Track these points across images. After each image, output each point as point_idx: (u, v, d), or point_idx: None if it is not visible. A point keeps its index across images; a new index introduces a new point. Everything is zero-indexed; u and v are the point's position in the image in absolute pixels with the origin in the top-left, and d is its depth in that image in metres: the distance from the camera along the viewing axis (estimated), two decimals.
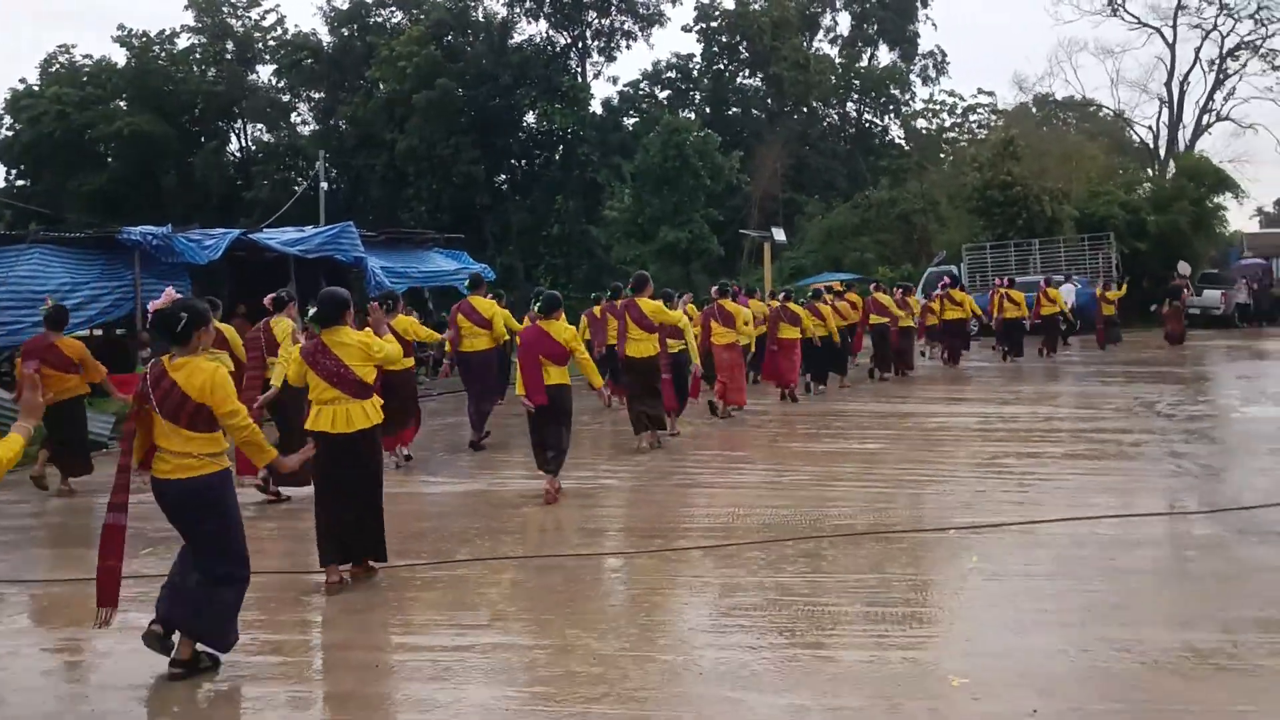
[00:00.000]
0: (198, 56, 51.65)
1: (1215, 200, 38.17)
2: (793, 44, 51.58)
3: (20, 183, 49.93)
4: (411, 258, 22.82)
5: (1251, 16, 47.96)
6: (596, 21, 50.53)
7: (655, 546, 7.18)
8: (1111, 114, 53.32)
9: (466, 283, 12.53)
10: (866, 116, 58.91)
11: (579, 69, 50.53)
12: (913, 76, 58.03)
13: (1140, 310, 29.76)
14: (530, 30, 50.14)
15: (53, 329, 10.05)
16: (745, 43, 52.56)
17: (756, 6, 52.18)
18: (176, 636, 5.11)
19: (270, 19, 52.65)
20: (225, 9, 52.29)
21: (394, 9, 52.09)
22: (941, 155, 50.49)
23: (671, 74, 54.40)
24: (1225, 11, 48.01)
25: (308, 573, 6.77)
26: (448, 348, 12.19)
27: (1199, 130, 51.02)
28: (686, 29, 53.41)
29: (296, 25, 52.82)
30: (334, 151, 49.33)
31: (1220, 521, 7.31)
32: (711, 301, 14.16)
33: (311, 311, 6.64)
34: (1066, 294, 24.83)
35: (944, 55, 59.12)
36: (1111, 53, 68.83)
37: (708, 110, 52.51)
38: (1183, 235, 35.36)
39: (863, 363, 19.02)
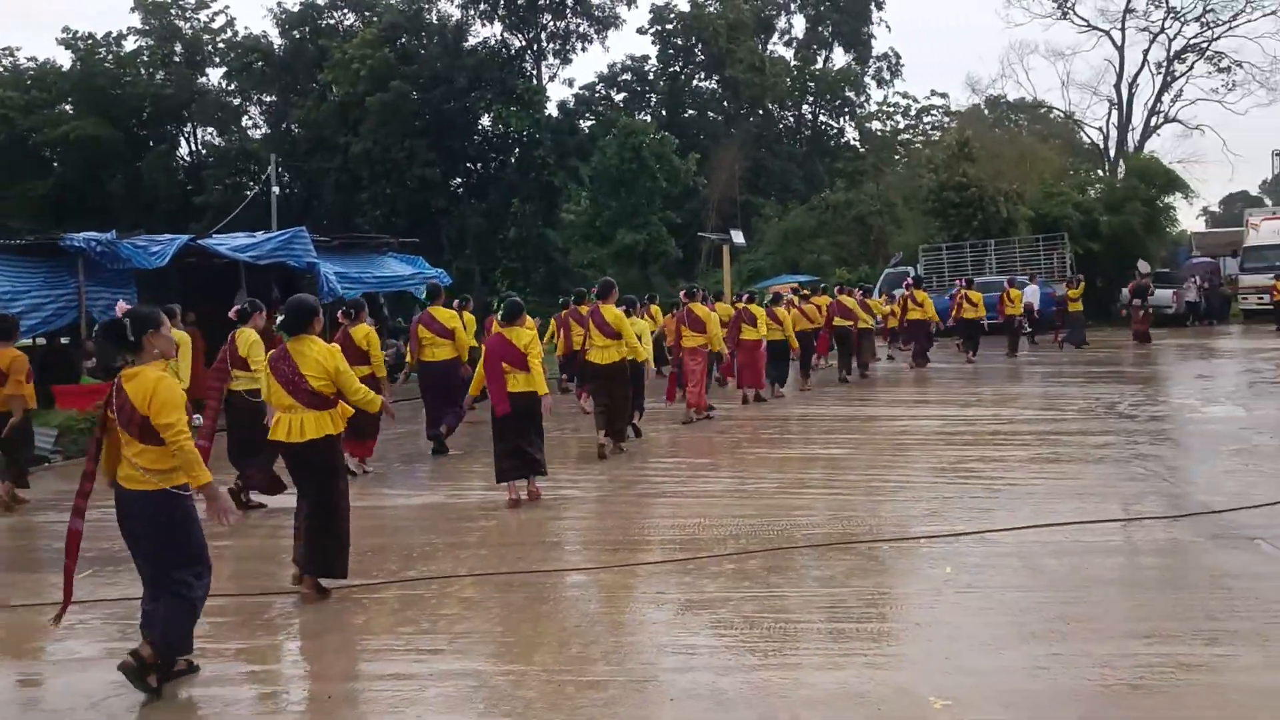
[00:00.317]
0: (145, 59, 50.83)
1: (1166, 200, 38.65)
2: (748, 46, 51.68)
3: None
4: (366, 263, 22.41)
5: (1198, 20, 48.77)
6: (551, 24, 50.36)
7: (620, 561, 6.96)
8: (1062, 115, 53.91)
9: (425, 293, 12.32)
10: (822, 119, 59.18)
11: (534, 71, 50.28)
12: (867, 79, 58.42)
13: (1097, 310, 30.01)
14: (485, 33, 49.94)
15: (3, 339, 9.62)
16: (700, 45, 52.59)
17: (712, 9, 52.19)
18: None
19: (220, 21, 52.02)
20: (173, 11, 51.50)
21: (346, 11, 51.58)
22: (896, 157, 50.77)
23: (627, 76, 54.34)
24: (1172, 15, 48.75)
25: (259, 595, 6.49)
26: (409, 359, 12.06)
27: (1148, 131, 51.77)
28: (642, 31, 53.45)
29: (247, 27, 52.33)
30: (286, 155, 48.71)
31: (1192, 527, 7.21)
32: (679, 305, 14.08)
33: (279, 319, 6.44)
34: (1030, 295, 24.92)
35: (898, 58, 59.61)
36: (1062, 55, 69.79)
37: (664, 113, 52.47)
38: (1135, 235, 35.76)
39: (833, 365, 19.05)
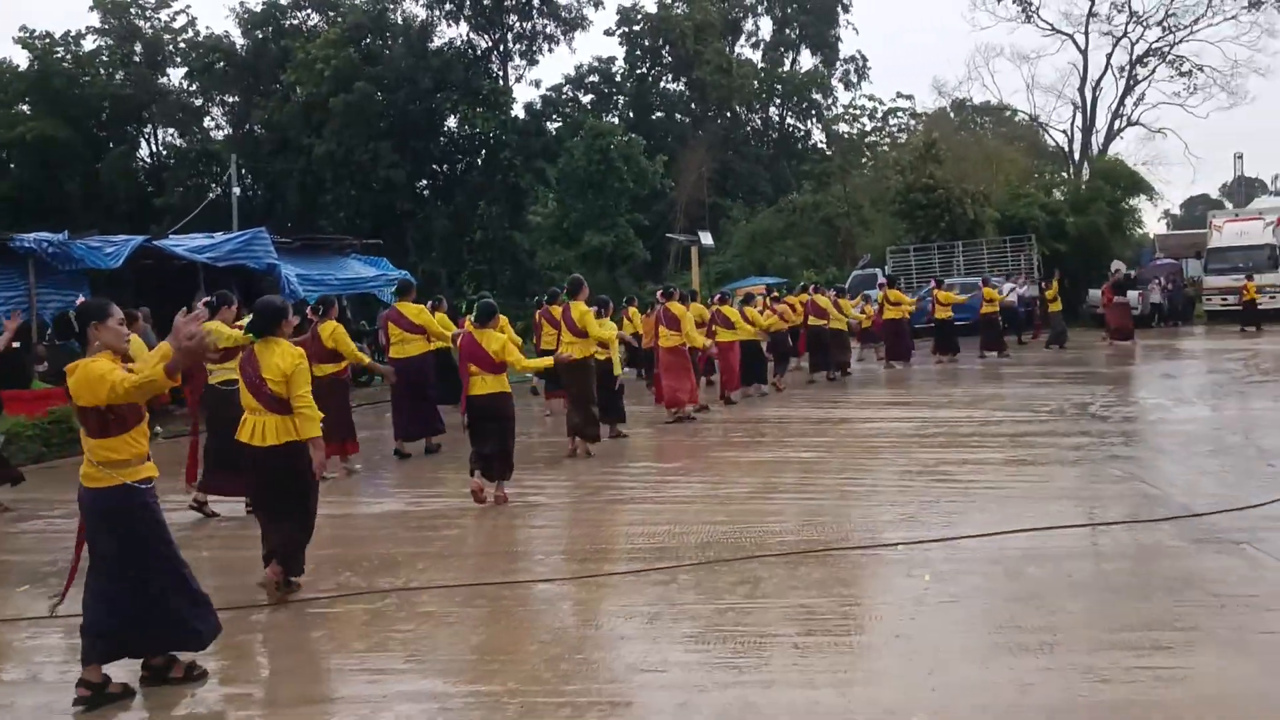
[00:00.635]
0: (105, 59, 49.87)
1: (1130, 202, 38.92)
2: (715, 48, 51.52)
3: None
4: (328, 265, 22.04)
5: (1160, 24, 49.15)
6: (518, 25, 49.90)
7: (588, 571, 6.69)
8: (1027, 118, 54.20)
9: (394, 289, 12.35)
10: (789, 121, 59.14)
11: (500, 73, 49.83)
12: (834, 81, 58.41)
13: (1064, 310, 30.01)
14: (450, 33, 49.37)
15: None
16: (668, 47, 52.34)
17: (679, 11, 52.00)
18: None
19: (180, 21, 51.06)
20: (133, 10, 50.57)
21: (310, 11, 50.88)
22: (863, 160, 50.81)
23: (594, 78, 54.01)
24: (1135, 19, 49.11)
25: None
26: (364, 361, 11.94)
27: (1111, 134, 52.11)
28: (609, 33, 53.10)
29: (208, 27, 51.49)
30: (249, 157, 47.97)
31: (1175, 530, 7.04)
32: (654, 305, 13.96)
33: (248, 320, 6.38)
34: (1008, 293, 24.89)
35: (865, 60, 59.63)
36: (1027, 59, 70.02)
37: (631, 114, 52.19)
38: (1101, 236, 35.97)
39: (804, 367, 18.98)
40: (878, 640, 5.20)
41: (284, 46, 47.86)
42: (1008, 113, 55.08)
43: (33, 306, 15.81)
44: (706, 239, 32.58)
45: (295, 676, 5.21)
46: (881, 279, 23.42)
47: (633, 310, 18.52)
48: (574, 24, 49.98)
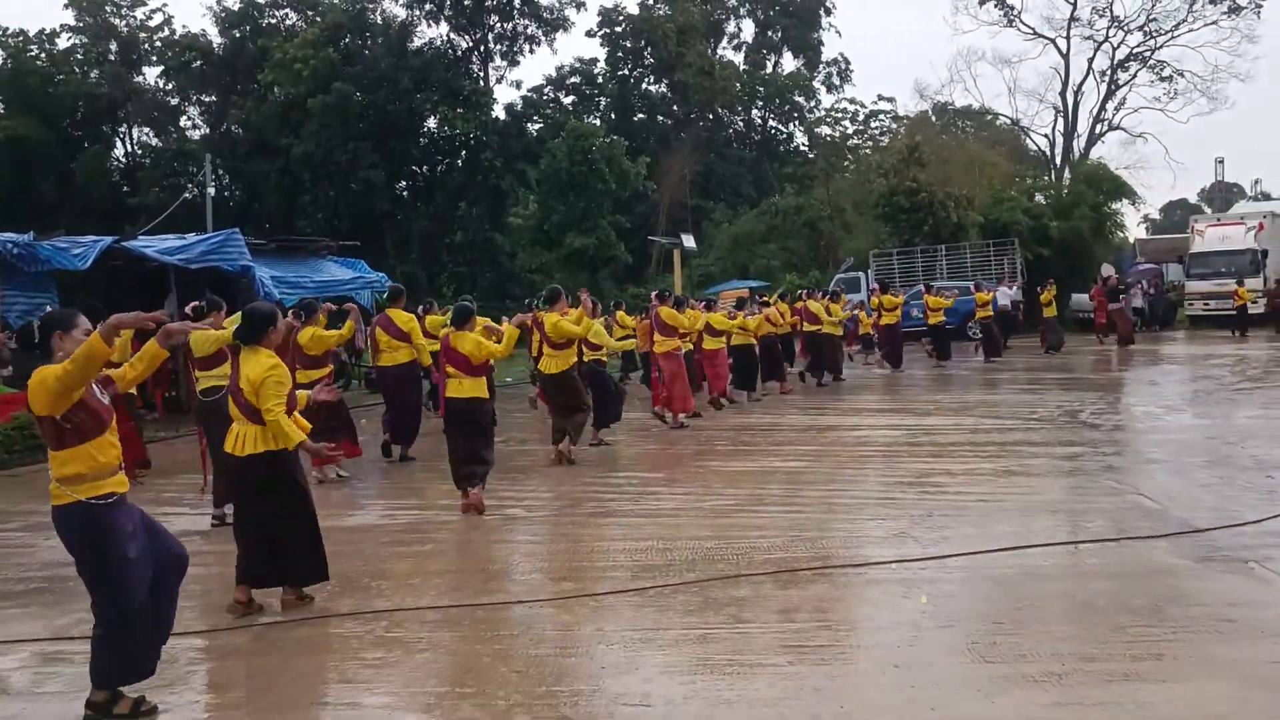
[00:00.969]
0: (79, 57, 49.23)
1: (1113, 206, 38.86)
2: (697, 50, 51.29)
3: None
4: (305, 267, 21.55)
5: (1140, 29, 49.15)
6: (499, 25, 49.55)
7: (567, 592, 6.34)
8: (1009, 122, 54.14)
9: (385, 295, 12.03)
10: (771, 123, 58.97)
11: (481, 73, 49.45)
12: (817, 84, 58.27)
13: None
14: (431, 33, 49.00)
15: None
16: (650, 48, 52.07)
17: (661, 12, 51.73)
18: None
19: (157, 19, 50.55)
20: (108, 8, 49.97)
21: (288, 10, 50.40)
22: (845, 163, 50.63)
23: (576, 79, 53.70)
24: (1116, 24, 49.10)
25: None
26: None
27: (1093, 139, 52.08)
28: (591, 34, 52.85)
29: (185, 26, 50.70)
30: (226, 157, 47.45)
31: (1177, 547, 6.76)
32: (647, 309, 14.05)
33: (235, 327, 6.23)
34: (1001, 296, 24.75)
35: (847, 63, 59.59)
36: (1009, 62, 70.04)
37: (613, 116, 51.91)
38: (1084, 241, 35.89)
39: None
40: (875, 671, 4.87)
41: (262, 46, 47.38)
42: (989, 117, 55.03)
43: None
44: (689, 242, 32.27)
45: (246, 712, 4.85)
46: (873, 284, 23.18)
47: (621, 313, 18.25)
48: (555, 25, 49.70)
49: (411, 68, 45.52)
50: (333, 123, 43.77)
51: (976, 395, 16.65)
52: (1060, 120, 51.76)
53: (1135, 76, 50.85)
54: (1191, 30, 48.26)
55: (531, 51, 50.39)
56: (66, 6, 49.06)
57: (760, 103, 57.85)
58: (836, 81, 59.24)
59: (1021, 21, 50.87)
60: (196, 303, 9.06)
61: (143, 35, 50.57)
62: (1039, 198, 39.04)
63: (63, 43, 49.11)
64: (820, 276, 37.55)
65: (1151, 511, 7.80)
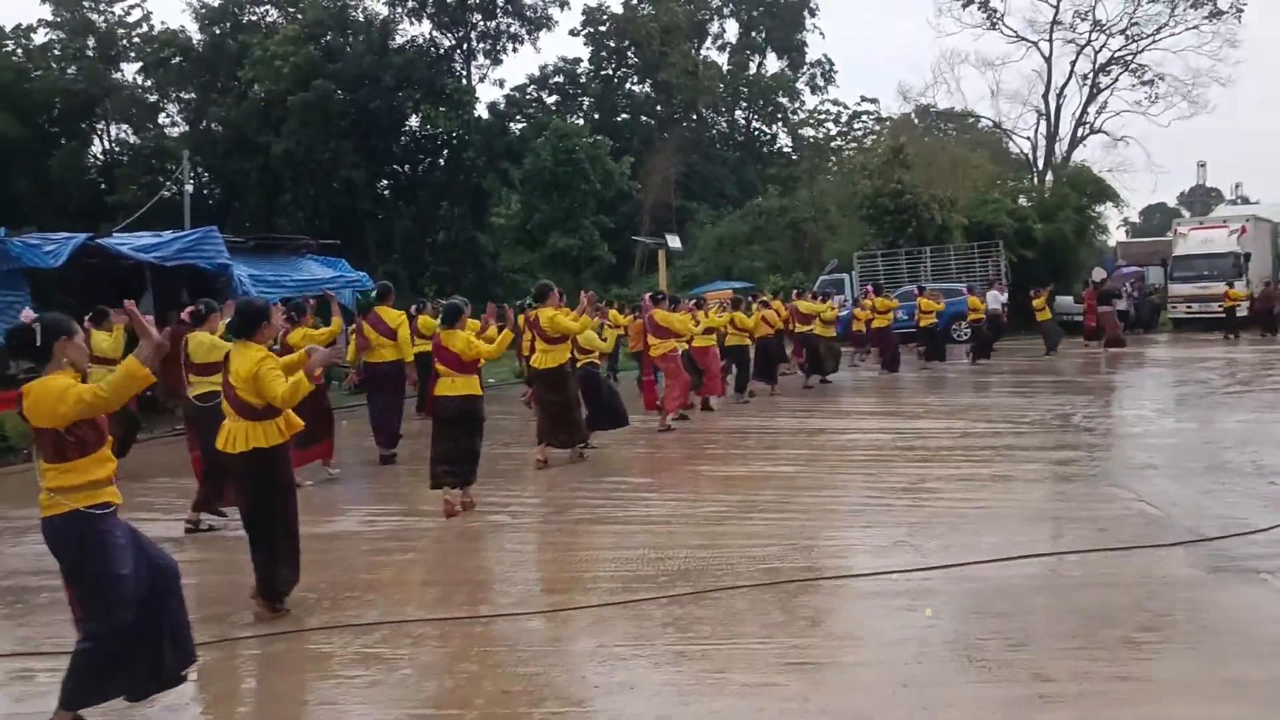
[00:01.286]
0: (56, 53, 48.60)
1: (1097, 209, 38.86)
2: (681, 50, 51.07)
3: None
4: (284, 265, 21.21)
5: (1123, 32, 49.24)
6: (481, 24, 49.21)
7: (554, 604, 6.08)
8: (991, 125, 54.16)
9: (374, 293, 12.16)
10: (755, 124, 58.81)
11: (464, 72, 49.11)
12: (801, 85, 58.15)
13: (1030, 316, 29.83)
14: (413, 31, 48.70)
15: None
16: (634, 48, 51.83)
17: (645, 11, 51.49)
18: None
19: (135, 15, 50.00)
20: (86, 4, 49.36)
21: (269, 7, 49.97)
22: (829, 164, 50.49)
23: (559, 79, 53.40)
24: (1098, 28, 49.18)
25: None
26: (350, 355, 11.75)
27: (1075, 142, 52.15)
28: (574, 33, 52.60)
29: (164, 22, 50.30)
30: (206, 155, 46.94)
31: (1187, 557, 6.55)
32: (639, 309, 14.06)
33: (227, 321, 6.08)
34: (991, 300, 24.67)
35: (831, 64, 59.51)
36: (992, 65, 70.27)
37: (596, 116, 51.66)
38: (1068, 243, 35.87)
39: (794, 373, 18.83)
40: (883, 690, 4.62)
41: (242, 42, 46.92)
42: (971, 119, 55.04)
43: None
44: (674, 242, 32.05)
45: None
46: (868, 286, 23.02)
47: (613, 312, 18.04)
48: (539, 24, 49.42)
49: (393, 66, 45.13)
50: (313, 121, 43.35)
51: (966, 398, 16.45)
52: (1043, 123, 51.86)
53: (1117, 80, 50.98)
54: (1173, 34, 48.41)
55: (514, 50, 50.15)
56: (43, 2, 48.53)
57: (744, 103, 57.69)
58: (820, 83, 59.22)
59: (1004, 24, 50.92)
60: (194, 307, 8.78)
61: (121, 31, 50.00)
62: (1022, 200, 39.03)
63: (39, 38, 48.56)
64: (804, 278, 37.36)
65: (1155, 519, 7.59)
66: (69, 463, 4.33)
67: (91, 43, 49.31)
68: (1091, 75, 50.67)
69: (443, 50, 48.94)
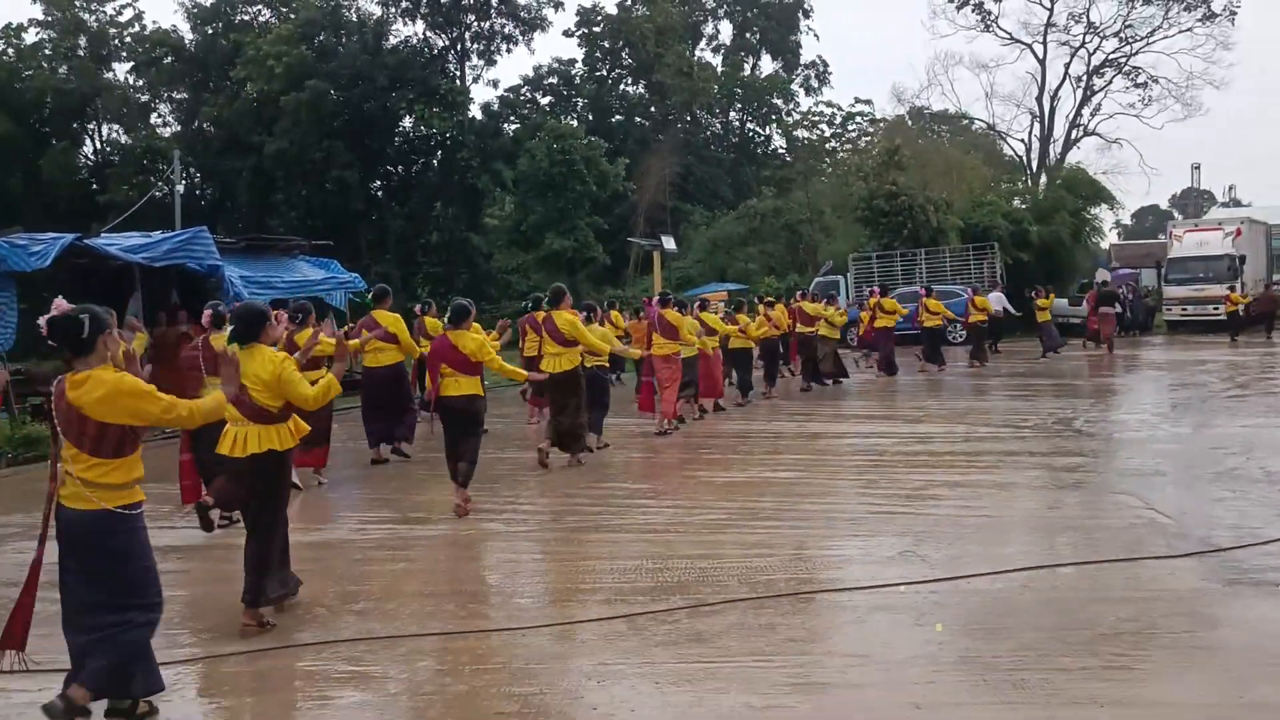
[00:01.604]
0: (47, 52, 48.20)
1: (1092, 211, 38.77)
2: (676, 51, 50.84)
3: None
4: (276, 266, 20.95)
5: (1116, 35, 49.24)
6: (476, 24, 48.92)
7: (548, 618, 5.87)
8: (985, 127, 54.11)
9: (371, 295, 12.12)
10: (750, 126, 58.62)
11: (458, 72, 48.81)
12: (795, 87, 57.97)
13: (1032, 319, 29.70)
14: (406, 31, 48.34)
15: None
16: (628, 49, 51.61)
17: (639, 12, 51.28)
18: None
19: (127, 14, 49.54)
20: (78, 3, 48.97)
21: (261, 7, 49.63)
22: (824, 165, 50.33)
23: (553, 80, 53.14)
24: (1092, 30, 49.17)
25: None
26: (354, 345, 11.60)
27: (1068, 144, 52.15)
28: (568, 34, 52.32)
29: (156, 21, 49.89)
30: (198, 155, 46.62)
31: (1203, 567, 6.37)
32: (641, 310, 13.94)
33: (229, 331, 6.06)
34: (994, 301, 24.56)
35: (825, 66, 59.33)
36: (986, 67, 70.25)
37: (590, 117, 51.40)
38: (1064, 246, 35.75)
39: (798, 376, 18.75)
40: (895, 714, 4.41)
41: (235, 42, 46.57)
42: (965, 121, 54.97)
43: None
44: (669, 243, 31.81)
45: None
46: (875, 289, 22.84)
47: (615, 314, 17.87)
48: (533, 24, 49.08)
49: (387, 66, 44.79)
50: (306, 121, 43.02)
51: (965, 402, 16.28)
52: (1036, 125, 51.83)
53: (1111, 82, 50.99)
54: (1167, 37, 48.48)
55: (509, 51, 49.81)
56: (34, 1, 48.10)
57: (739, 105, 57.50)
58: (815, 84, 59.06)
59: (999, 26, 50.96)
60: (212, 309, 8.72)
61: (113, 31, 49.61)
62: (1017, 202, 38.94)
63: (30, 37, 48.14)
64: (799, 280, 37.20)
65: (1166, 528, 7.41)
66: (121, 459, 4.41)
67: (83, 42, 48.91)
68: (1085, 77, 50.74)
69: (436, 50, 48.63)
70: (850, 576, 6.49)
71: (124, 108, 49.33)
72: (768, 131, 57.97)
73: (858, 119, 51.60)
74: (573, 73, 53.06)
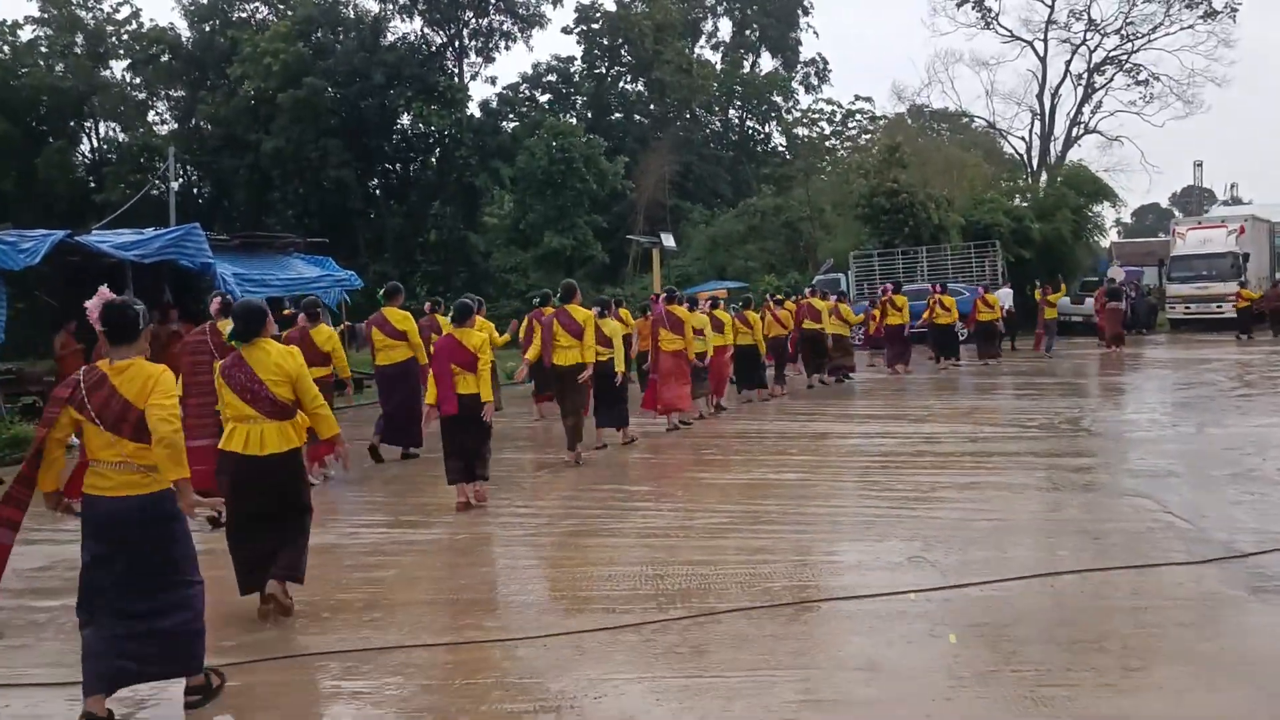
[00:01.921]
0: (44, 50, 47.93)
1: (1095, 209, 38.56)
2: (675, 48, 50.57)
3: None
4: (270, 264, 20.72)
5: (1117, 32, 49.01)
6: (474, 21, 48.68)
7: (545, 628, 5.60)
8: (985, 125, 53.85)
9: (382, 293, 12.07)
10: (749, 123, 58.37)
11: (456, 69, 48.56)
12: (795, 84, 57.73)
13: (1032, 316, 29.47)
14: (404, 28, 48.18)
15: None
16: (627, 46, 51.32)
17: (638, 9, 51.00)
18: None
19: (124, 12, 49.29)
20: (74, 1, 48.70)
21: (258, 4, 49.38)
22: (823, 163, 50.09)
23: (552, 77, 52.87)
24: (1093, 27, 48.93)
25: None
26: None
27: (1069, 142, 51.91)
28: (567, 31, 52.08)
29: (153, 19, 49.78)
30: (195, 153, 46.35)
31: (1226, 574, 6.12)
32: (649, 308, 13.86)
33: (230, 329, 6.06)
34: (1004, 298, 24.28)
35: (825, 63, 59.10)
36: (986, 65, 69.96)
37: (589, 115, 51.13)
38: (1065, 243, 35.52)
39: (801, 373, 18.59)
40: None
41: (232, 39, 46.34)
42: (965, 119, 54.72)
43: None
44: (669, 241, 31.59)
45: None
46: (888, 285, 22.61)
47: (623, 311, 17.68)
48: (532, 21, 48.89)
49: (384, 63, 44.54)
50: (303, 118, 42.79)
51: (971, 400, 16.03)
52: (1037, 123, 51.59)
53: (1111, 80, 50.76)
54: (1168, 34, 48.25)
55: (507, 48, 49.65)
56: None
57: (738, 102, 57.24)
58: (814, 81, 58.82)
59: (999, 24, 50.75)
60: (219, 299, 9.14)
61: (109, 28, 49.33)
62: (1017, 200, 38.71)
63: (26, 35, 47.90)
64: (800, 277, 36.96)
65: (1185, 532, 7.15)
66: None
67: (80, 40, 48.64)
68: (1086, 75, 50.48)
69: (434, 48, 48.39)
70: (858, 583, 6.23)
71: (121, 106, 49.09)
72: (767, 129, 57.77)
73: (857, 117, 51.41)
74: (571, 70, 52.79)
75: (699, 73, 52.08)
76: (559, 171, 38.57)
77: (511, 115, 50.08)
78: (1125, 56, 49.96)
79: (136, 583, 4.47)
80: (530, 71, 52.55)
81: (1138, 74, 50.08)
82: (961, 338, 25.99)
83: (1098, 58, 49.90)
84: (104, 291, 4.69)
